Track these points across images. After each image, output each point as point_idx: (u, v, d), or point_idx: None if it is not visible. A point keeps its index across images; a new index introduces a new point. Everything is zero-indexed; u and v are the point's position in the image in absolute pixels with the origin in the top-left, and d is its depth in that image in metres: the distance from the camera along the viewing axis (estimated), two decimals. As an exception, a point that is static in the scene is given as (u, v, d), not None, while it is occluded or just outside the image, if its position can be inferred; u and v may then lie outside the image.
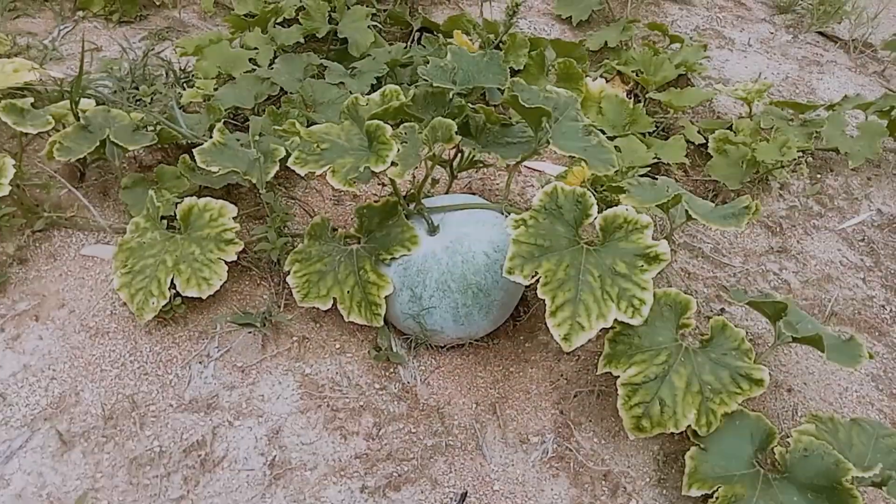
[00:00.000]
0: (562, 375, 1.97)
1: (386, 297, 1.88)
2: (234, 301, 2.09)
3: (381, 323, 1.88)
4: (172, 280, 1.92)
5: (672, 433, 1.70)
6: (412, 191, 2.03)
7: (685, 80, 3.15)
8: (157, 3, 3.32)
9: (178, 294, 1.94)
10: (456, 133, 1.75)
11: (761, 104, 2.92)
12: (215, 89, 2.65)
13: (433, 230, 1.95)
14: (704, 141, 2.74)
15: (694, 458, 1.64)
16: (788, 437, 1.66)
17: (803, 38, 3.81)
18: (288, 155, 2.02)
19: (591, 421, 1.87)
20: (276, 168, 1.99)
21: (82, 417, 1.79)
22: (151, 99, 2.57)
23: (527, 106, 1.74)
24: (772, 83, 2.93)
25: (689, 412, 1.62)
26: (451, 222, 1.96)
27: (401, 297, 1.89)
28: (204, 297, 1.93)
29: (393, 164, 1.68)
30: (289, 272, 1.95)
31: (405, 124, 1.77)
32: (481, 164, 2.19)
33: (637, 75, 2.87)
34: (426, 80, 1.89)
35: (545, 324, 2.09)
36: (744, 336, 1.71)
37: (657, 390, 1.64)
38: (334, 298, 1.92)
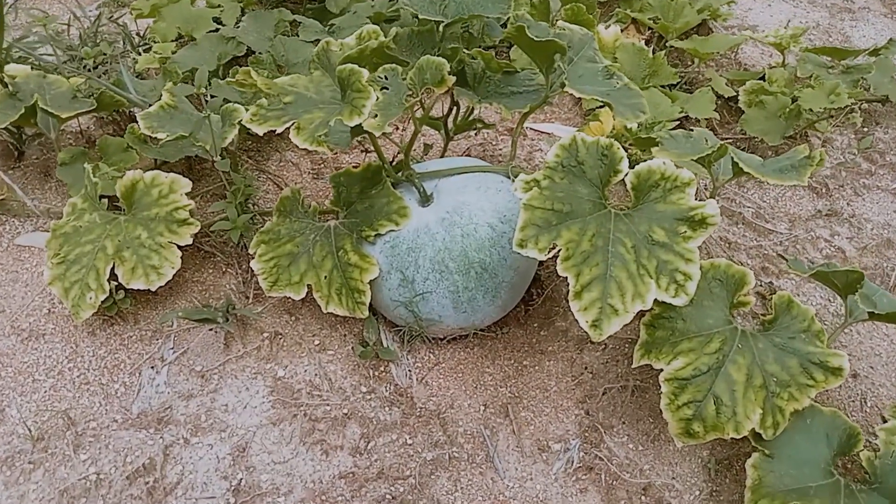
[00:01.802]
0: (586, 368, 1.64)
1: (371, 282, 1.55)
2: (194, 293, 1.77)
3: (367, 313, 1.55)
4: (114, 270, 1.59)
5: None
6: (399, 155, 1.69)
7: (706, 29, 2.80)
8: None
9: (121, 287, 1.62)
10: (449, 73, 1.42)
11: (795, 52, 2.57)
12: (174, 53, 2.31)
13: (426, 200, 1.62)
14: (734, 94, 2.40)
15: (757, 466, 1.32)
16: (873, 437, 1.34)
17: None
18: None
19: (624, 423, 1.54)
20: (235, 132, 1.65)
21: (6, 439, 1.47)
22: (95, 63, 2.23)
23: (536, 39, 1.40)
24: (806, 27, 2.58)
25: (752, 412, 1.29)
26: (448, 189, 1.62)
27: (389, 282, 1.56)
28: (154, 289, 1.61)
29: (372, 115, 1.35)
30: (254, 256, 1.62)
31: (385, 66, 1.43)
32: (481, 124, 1.85)
33: (655, 23, 2.53)
34: (408, 8, 1.55)
35: (563, 307, 1.77)
36: (813, 314, 1.38)
37: (711, 386, 1.31)
38: (309, 286, 1.59)
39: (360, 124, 1.36)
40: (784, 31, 2.51)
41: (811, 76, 2.37)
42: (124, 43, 2.55)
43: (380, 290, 1.59)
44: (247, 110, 1.68)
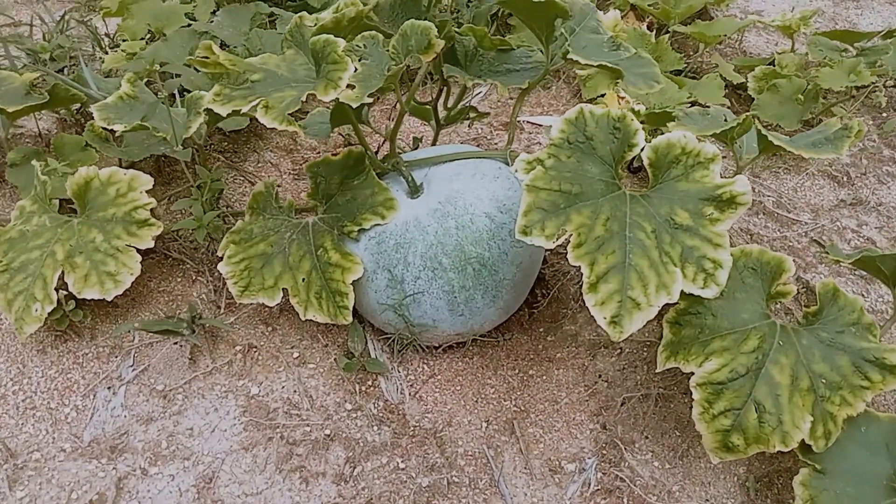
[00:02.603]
0: (600, 377, 1.45)
1: (355, 284, 1.37)
2: (160, 304, 1.58)
3: (350, 319, 1.36)
4: (63, 277, 1.41)
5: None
6: (386, 144, 1.52)
7: (707, 17, 2.65)
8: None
9: (72, 297, 1.43)
10: (437, 37, 1.24)
11: (803, 38, 2.43)
12: (143, 50, 2.15)
13: (415, 191, 1.44)
14: (742, 81, 2.25)
15: (808, 484, 1.13)
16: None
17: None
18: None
19: (647, 437, 1.35)
20: (200, 120, 1.48)
21: (-66, 476, 1.27)
22: (55, 59, 2.06)
23: (534, 0, 1.23)
24: (817, 9, 2.44)
25: (801, 420, 1.10)
26: (439, 178, 1.45)
27: (376, 283, 1.38)
28: (110, 299, 1.42)
29: (349, 87, 1.18)
30: (222, 259, 1.43)
31: (365, 33, 1.26)
32: (475, 114, 1.68)
33: (655, 8, 2.38)
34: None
35: (572, 309, 1.59)
36: (862, 305, 1.20)
37: (751, 390, 1.13)
38: (285, 290, 1.40)
39: (338, 100, 1.18)
40: (792, 14, 2.37)
41: (824, 59, 2.22)
42: (93, 45, 2.38)
43: (365, 294, 1.40)
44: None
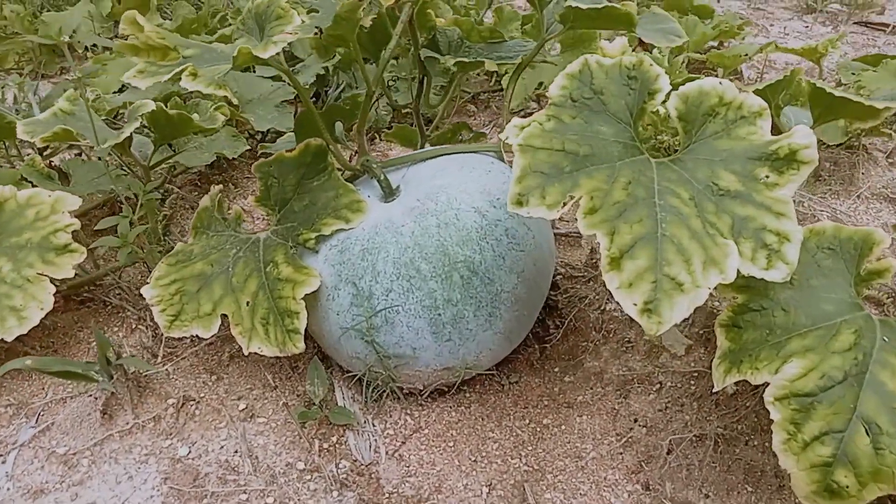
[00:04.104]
0: (636, 420, 1.10)
1: (312, 307, 1.07)
2: (91, 356, 1.28)
3: (301, 345, 1.05)
4: (-47, 313, 1.13)
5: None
6: (355, 153, 1.27)
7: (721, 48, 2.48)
8: (82, 56, 2.77)
9: (-38, 337, 1.14)
10: (398, -26, 1.02)
11: (827, 68, 2.22)
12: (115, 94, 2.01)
13: (389, 193, 1.18)
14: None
15: (959, 547, 0.75)
16: None
17: (845, 30, 3.21)
18: (161, 113, 1.31)
19: (708, 496, 0.98)
20: (136, 125, 1.25)
21: None
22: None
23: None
24: (843, 33, 2.25)
25: (939, 441, 0.75)
26: (420, 177, 1.19)
27: (338, 301, 1.08)
28: (10, 339, 1.13)
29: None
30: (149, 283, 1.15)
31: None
32: (470, 134, 1.45)
33: (665, 39, 2.19)
34: None
35: (594, 341, 1.26)
36: None
37: (855, 403, 0.78)
38: (225, 317, 1.11)
39: (302, 112, 0.95)
40: (815, 42, 2.17)
41: (857, 80, 1.99)
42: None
43: (325, 317, 1.10)
44: (156, 101, 1.30)
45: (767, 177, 0.90)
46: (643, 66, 0.95)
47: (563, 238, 1.47)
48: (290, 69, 1.95)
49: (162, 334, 1.31)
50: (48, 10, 3.08)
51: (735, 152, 0.92)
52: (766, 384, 0.82)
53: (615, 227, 0.83)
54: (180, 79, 0.98)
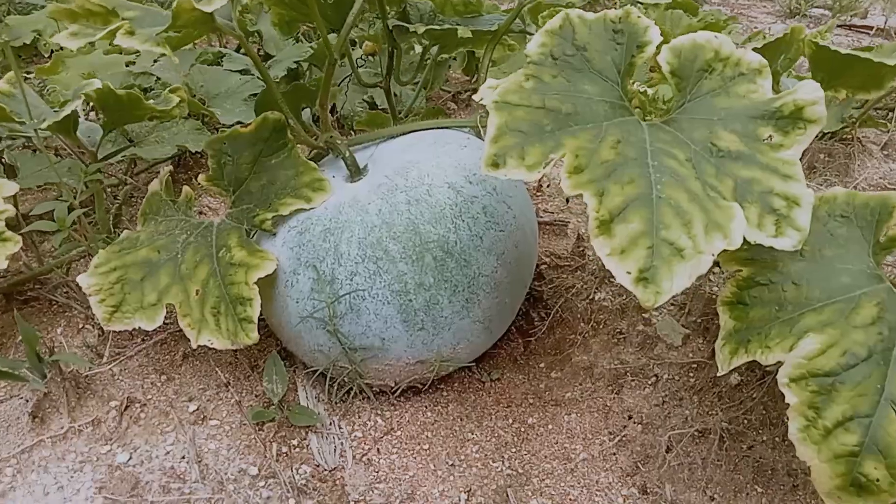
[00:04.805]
0: (630, 417, 1.00)
1: (269, 296, 0.96)
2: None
3: (254, 335, 0.94)
4: None
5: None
6: (320, 131, 1.17)
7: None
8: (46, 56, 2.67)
9: None
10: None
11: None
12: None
13: (356, 172, 1.07)
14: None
15: None
16: None
17: (832, 22, 3.18)
18: (110, 93, 1.20)
19: (713, 499, 0.87)
20: (78, 103, 1.14)
21: None
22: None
23: None
24: (833, 24, 2.18)
25: (983, 423, 0.65)
26: (389, 153, 1.09)
27: (297, 287, 0.97)
28: (-70, 337, 1.01)
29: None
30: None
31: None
32: (443, 117, 1.35)
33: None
34: None
35: (583, 333, 1.16)
36: None
37: (882, 382, 0.68)
38: (172, 307, 0.99)
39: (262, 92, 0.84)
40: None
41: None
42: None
43: (284, 307, 0.99)
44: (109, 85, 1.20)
45: (771, 137, 0.81)
46: (630, 17, 0.86)
47: (547, 227, 1.37)
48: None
49: (109, 333, 1.20)
50: (14, 14, 2.98)
51: (734, 111, 0.83)
52: (777, 367, 0.72)
53: (604, 188, 0.73)
54: (115, 37, 0.87)
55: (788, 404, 0.69)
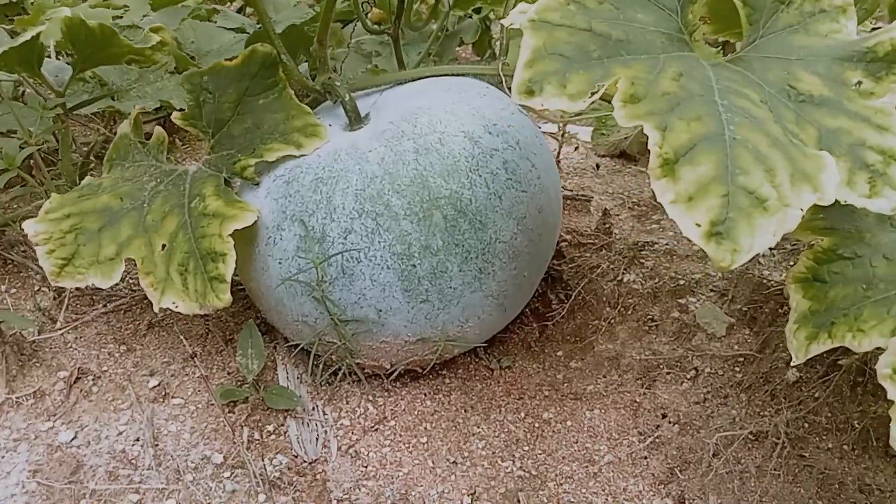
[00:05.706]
0: (665, 416, 0.85)
1: (246, 255, 0.82)
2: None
3: (226, 297, 0.79)
4: None
5: None
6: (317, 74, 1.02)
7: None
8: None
9: None
10: None
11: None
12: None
13: (357, 120, 0.93)
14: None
15: None
16: None
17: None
18: (80, 25, 1.06)
19: (767, 515, 0.73)
20: (41, 29, 1.00)
21: None
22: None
23: None
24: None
25: None
26: (395, 99, 0.94)
27: (280, 245, 0.82)
28: None
29: None
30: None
31: None
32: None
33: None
34: None
35: (607, 318, 1.01)
36: None
37: None
38: (132, 263, 0.85)
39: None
40: None
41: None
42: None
43: (265, 269, 0.84)
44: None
45: (860, 83, 0.67)
46: (696, -67, 0.72)
47: (567, 202, 1.23)
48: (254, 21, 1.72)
49: (66, 296, 1.05)
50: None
51: (816, 51, 0.69)
52: (860, 360, 0.58)
53: (667, 122, 0.59)
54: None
55: (889, 402, 0.55)
